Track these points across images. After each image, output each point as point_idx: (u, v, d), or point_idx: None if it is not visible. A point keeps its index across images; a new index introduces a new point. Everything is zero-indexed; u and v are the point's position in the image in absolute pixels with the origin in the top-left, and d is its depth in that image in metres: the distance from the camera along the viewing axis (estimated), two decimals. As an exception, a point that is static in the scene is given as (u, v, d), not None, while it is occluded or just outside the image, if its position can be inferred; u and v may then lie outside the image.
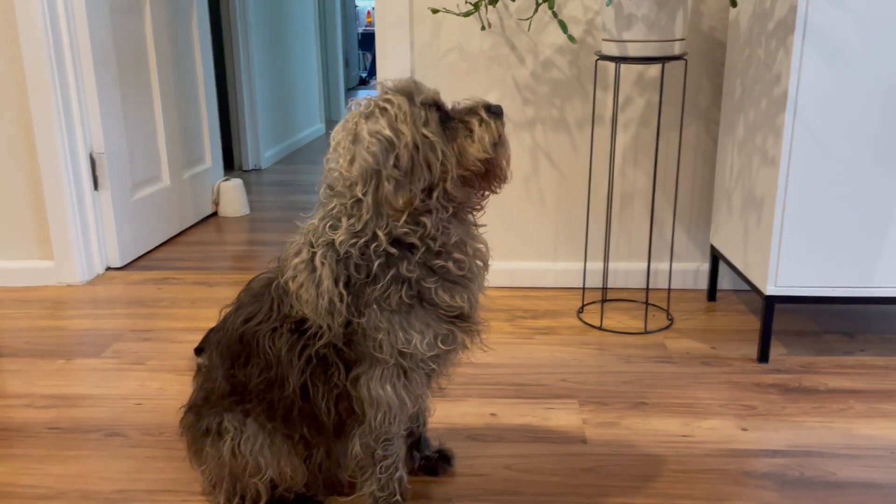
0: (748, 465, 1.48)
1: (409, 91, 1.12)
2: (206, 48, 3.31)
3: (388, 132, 1.08)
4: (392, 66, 2.31)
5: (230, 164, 4.40)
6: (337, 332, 1.14)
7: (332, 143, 1.14)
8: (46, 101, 2.39)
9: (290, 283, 1.16)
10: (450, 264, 1.15)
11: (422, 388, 1.22)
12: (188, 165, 3.20)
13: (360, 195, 1.09)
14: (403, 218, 1.09)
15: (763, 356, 1.91)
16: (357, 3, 9.44)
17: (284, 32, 4.88)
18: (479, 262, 1.21)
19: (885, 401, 1.71)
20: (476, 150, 1.12)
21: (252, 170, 4.48)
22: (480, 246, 1.22)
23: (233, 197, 3.41)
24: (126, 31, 2.70)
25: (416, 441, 1.45)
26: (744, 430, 1.61)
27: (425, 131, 1.09)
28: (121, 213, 2.68)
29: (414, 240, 1.11)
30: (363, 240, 1.11)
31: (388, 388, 1.16)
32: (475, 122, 1.13)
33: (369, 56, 9.89)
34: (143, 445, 1.58)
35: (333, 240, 1.11)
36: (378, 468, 1.24)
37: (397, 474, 1.26)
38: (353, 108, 1.14)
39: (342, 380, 1.18)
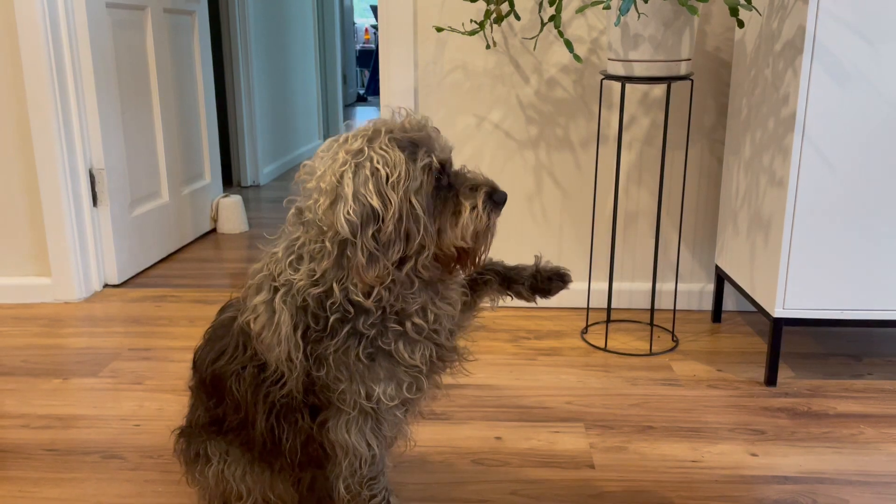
0: (759, 492, 1.45)
1: (416, 145, 1.00)
2: (207, 64, 3.30)
3: (375, 201, 0.96)
4: (396, 83, 2.30)
5: (229, 180, 4.38)
6: (296, 381, 1.08)
7: (314, 166, 1.03)
8: (46, 116, 2.37)
9: (253, 324, 1.09)
10: (407, 326, 1.07)
11: (394, 430, 1.16)
12: (187, 182, 3.18)
13: (328, 245, 1.00)
14: (367, 290, 1.02)
15: (771, 379, 1.89)
16: (355, 20, 9.47)
17: (284, 49, 4.88)
18: (447, 315, 1.11)
19: (896, 426, 1.69)
20: (455, 236, 1.03)
21: (251, 186, 4.46)
22: (447, 307, 1.11)
23: (232, 213, 3.39)
24: (127, 47, 2.69)
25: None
26: (753, 455, 1.58)
27: (414, 200, 0.98)
28: (119, 230, 2.66)
29: (369, 306, 1.03)
30: (321, 289, 1.02)
31: (355, 433, 1.10)
32: (467, 206, 1.03)
33: (367, 73, 9.93)
34: (142, 468, 1.54)
35: (293, 281, 1.04)
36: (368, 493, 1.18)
37: None
38: (346, 133, 1.04)
39: (308, 424, 1.13)
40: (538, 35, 2.20)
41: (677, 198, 2.34)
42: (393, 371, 1.08)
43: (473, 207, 1.03)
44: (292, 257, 1.05)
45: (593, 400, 1.84)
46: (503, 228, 2.40)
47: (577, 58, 1.98)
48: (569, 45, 1.95)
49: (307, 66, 5.41)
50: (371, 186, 0.96)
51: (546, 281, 1.23)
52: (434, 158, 1.01)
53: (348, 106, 9.05)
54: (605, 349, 2.13)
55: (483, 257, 1.10)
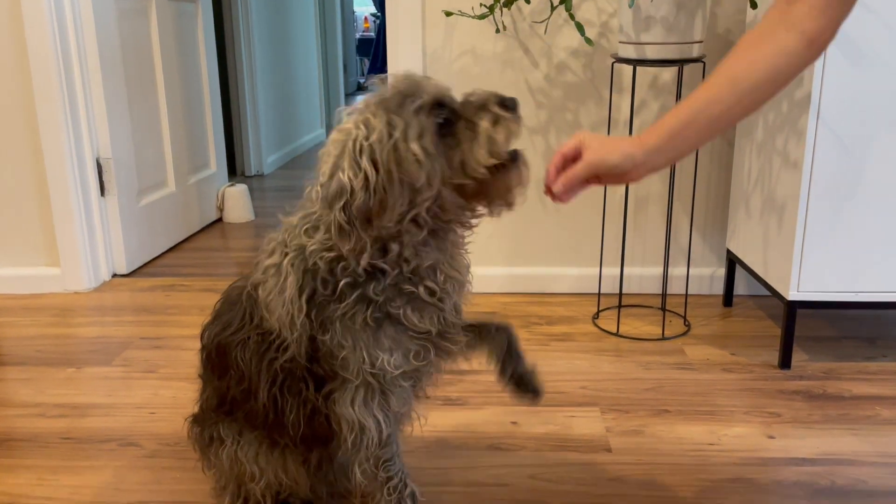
0: (778, 473, 1.45)
1: (404, 95, 0.98)
2: (211, 53, 3.28)
3: (346, 174, 0.94)
4: (404, 68, 2.28)
5: (233, 169, 4.36)
6: (299, 346, 1.07)
7: (326, 147, 1.02)
8: (53, 106, 2.36)
9: (260, 289, 1.09)
10: (420, 289, 1.05)
11: (402, 406, 1.13)
12: (194, 171, 3.17)
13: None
14: (358, 257, 1.01)
15: (785, 362, 1.88)
16: (354, 8, 9.42)
17: (286, 37, 4.86)
18: (456, 281, 1.11)
19: (913, 407, 1.69)
20: (482, 154, 0.98)
21: (255, 175, 4.45)
22: (455, 273, 1.10)
23: (238, 202, 3.38)
24: (133, 36, 2.67)
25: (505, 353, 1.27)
26: (770, 437, 1.58)
27: (415, 146, 0.95)
28: (127, 219, 2.65)
29: (384, 265, 1.03)
30: (333, 255, 1.02)
31: (361, 407, 1.08)
32: (485, 121, 0.99)
33: (367, 62, 9.88)
34: (160, 456, 1.55)
35: (305, 246, 1.04)
36: (385, 490, 1.16)
37: (407, 491, 1.18)
38: (343, 116, 1.02)
39: (312, 395, 1.11)
40: (548, 18, 2.18)
41: (688, 182, 2.33)
42: (399, 339, 1.06)
43: (494, 119, 1.00)
44: (308, 226, 1.05)
45: (607, 384, 1.83)
46: (513, 216, 2.38)
47: (588, 41, 1.96)
48: (580, 27, 1.94)
49: (309, 55, 5.39)
50: (347, 160, 0.96)
51: (524, 386, 1.26)
52: (425, 98, 0.98)
53: (349, 95, 9.01)
54: (617, 334, 2.12)
55: (516, 194, 1.07)
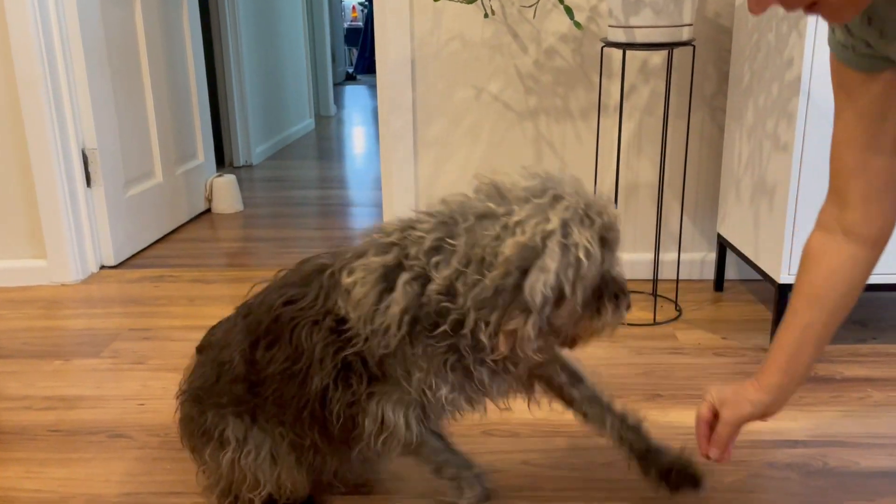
0: (770, 456, 1.46)
1: (603, 245, 1.00)
2: (197, 42, 3.25)
3: (568, 288, 0.96)
4: (392, 55, 2.26)
5: (221, 160, 4.33)
6: (374, 349, 1.06)
7: (505, 189, 1.00)
8: (37, 96, 2.33)
9: (345, 276, 1.06)
10: (499, 365, 1.09)
11: (434, 425, 1.16)
12: (181, 161, 3.14)
13: (487, 282, 0.96)
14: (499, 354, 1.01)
15: (776, 345, 1.89)
16: (343, -3, 9.36)
17: (273, 27, 4.82)
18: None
19: (904, 388, 1.69)
20: (596, 331, 1.06)
21: (243, 166, 4.42)
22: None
23: (226, 193, 3.35)
24: (117, 24, 2.64)
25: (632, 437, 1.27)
26: (762, 420, 1.58)
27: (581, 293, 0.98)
28: (114, 211, 2.62)
29: (492, 356, 1.05)
30: (450, 304, 1.01)
31: (401, 413, 1.10)
32: (610, 307, 1.04)
33: (355, 51, 9.83)
34: (149, 447, 1.53)
35: (426, 273, 1.02)
36: (430, 467, 1.18)
37: (467, 475, 1.18)
38: (552, 184, 0.99)
39: (362, 390, 1.11)
40: (537, 3, 2.16)
41: (678, 167, 2.33)
42: (464, 385, 1.10)
43: (616, 308, 1.06)
44: (438, 257, 1.01)
45: (600, 370, 1.81)
46: (503, 201, 2.38)
47: (577, 24, 1.95)
48: (569, 11, 1.93)
49: (296, 45, 5.34)
50: (570, 274, 0.96)
51: (678, 476, 1.23)
52: (612, 235, 1.03)
53: (338, 85, 8.96)
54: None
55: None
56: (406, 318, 1.03)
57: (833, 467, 1.41)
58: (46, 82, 2.34)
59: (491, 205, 1.00)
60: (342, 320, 1.08)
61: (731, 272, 2.40)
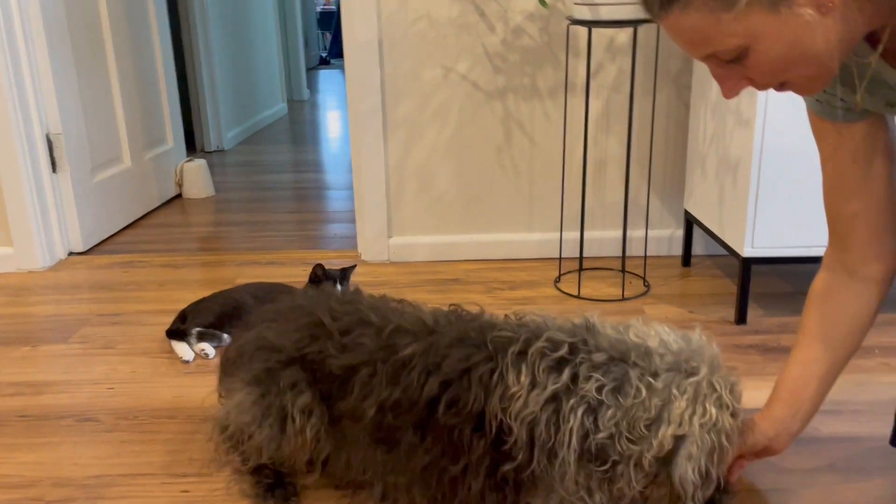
0: (733, 424, 1.48)
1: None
2: (164, 25, 3.20)
3: (714, 471, 1.03)
4: (359, 36, 2.25)
5: (192, 145, 4.29)
6: (538, 470, 1.08)
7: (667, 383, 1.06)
8: (-3, 80, 2.29)
9: (512, 381, 1.08)
10: None
11: None
12: (149, 146, 3.10)
13: (646, 459, 1.04)
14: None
15: (741, 318, 1.92)
16: (315, -19, 9.25)
17: (243, 11, 4.76)
18: None
19: (863, 356, 1.73)
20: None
21: (215, 151, 4.38)
22: None
23: (196, 178, 3.32)
24: (79, 7, 2.59)
25: None
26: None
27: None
28: (81, 196, 2.59)
29: None
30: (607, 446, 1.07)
31: None
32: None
33: (329, 35, 9.74)
34: (118, 430, 1.53)
35: (597, 413, 1.06)
36: None
37: None
38: (714, 373, 1.06)
39: (512, 498, 1.13)
40: (503, -18, 2.16)
41: (645, 144, 2.35)
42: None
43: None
44: (609, 403, 1.05)
45: (569, 345, 1.85)
46: (473, 183, 2.39)
47: (542, 3, 1.95)
48: (534, -11, 1.93)
49: (267, 29, 5.29)
50: (715, 457, 1.03)
51: None
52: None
53: (311, 69, 8.88)
54: (578, 296, 2.14)
55: None
56: (575, 439, 1.06)
57: (793, 434, 1.44)
58: (7, 66, 2.29)
59: (649, 378, 1.05)
60: (502, 426, 1.08)
61: (698, 248, 2.43)
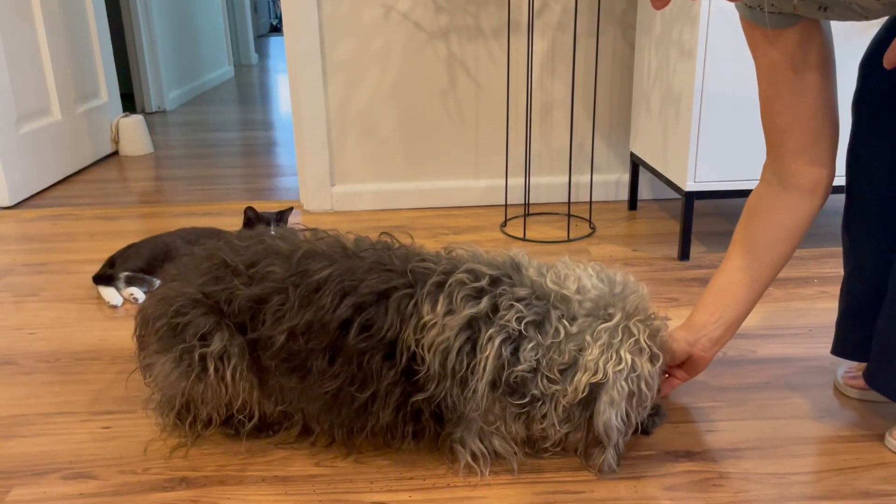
0: (673, 350, 1.47)
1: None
2: (94, -28, 3.05)
3: (632, 416, 1.05)
4: (295, -27, 2.16)
5: (133, 106, 4.14)
6: (452, 402, 1.07)
7: (571, 303, 1.06)
8: None
9: (427, 310, 1.05)
10: None
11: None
12: (81, 100, 2.97)
13: (563, 404, 1.05)
14: None
15: (684, 254, 1.91)
16: (265, -55, 9.00)
17: (184, -35, 4.59)
18: None
19: (803, 286, 1.74)
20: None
21: (156, 112, 4.23)
22: None
23: (133, 134, 3.20)
24: (-3, -56, 2.45)
25: None
26: (667, 319, 1.60)
27: None
28: (7, 149, 2.46)
29: None
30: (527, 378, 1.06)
31: (488, 442, 1.13)
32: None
33: (280, 3, 9.50)
34: (38, 372, 1.45)
35: (518, 346, 1.05)
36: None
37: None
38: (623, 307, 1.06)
39: (431, 427, 1.11)
40: (443, -85, 2.09)
41: (591, 87, 2.31)
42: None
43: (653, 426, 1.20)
44: (531, 335, 1.04)
45: (512, 283, 1.82)
46: (418, 129, 2.33)
47: (482, -67, 1.89)
48: (473, -82, 1.86)
49: (211, -12, 5.12)
50: (634, 403, 1.04)
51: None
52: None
53: (262, 36, 8.68)
54: (524, 239, 2.12)
55: None
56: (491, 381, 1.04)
57: (731, 356, 1.44)
58: (-82, 5, 2.15)
59: (566, 321, 1.05)
60: (414, 357, 1.05)
61: (644, 192, 2.42)
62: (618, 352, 1.03)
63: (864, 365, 1.29)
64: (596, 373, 1.02)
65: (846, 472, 1.10)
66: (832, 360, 1.38)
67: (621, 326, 1.05)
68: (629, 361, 1.03)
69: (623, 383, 1.02)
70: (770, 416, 1.24)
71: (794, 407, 1.26)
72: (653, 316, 1.09)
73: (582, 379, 1.02)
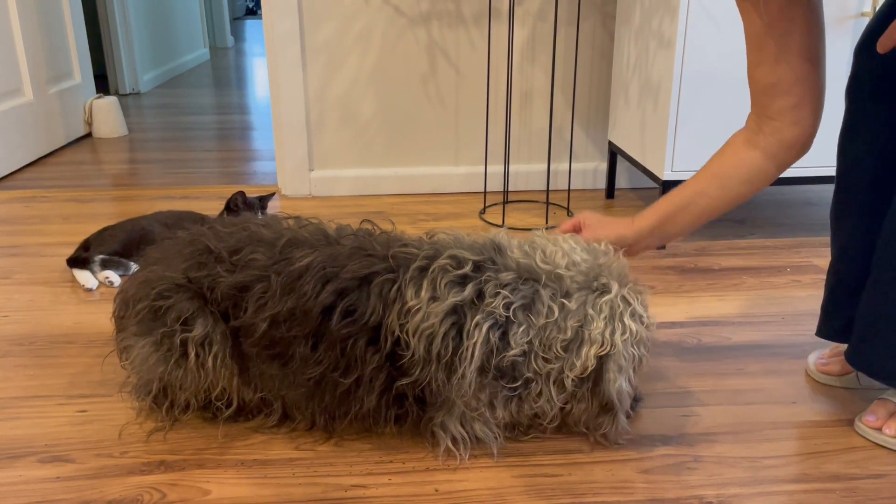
0: (649, 336, 1.49)
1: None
2: (67, -51, 2.99)
3: (633, 377, 1.09)
4: (275, -45, 2.14)
5: (106, 88, 4.07)
6: (437, 387, 1.07)
7: (563, 280, 1.06)
8: None
9: (411, 296, 1.05)
10: None
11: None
12: (54, 80, 2.92)
13: (570, 375, 1.06)
14: None
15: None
16: (241, -74, 8.87)
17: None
18: None
19: (775, 275, 1.77)
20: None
21: (130, 94, 4.17)
22: None
23: (107, 116, 3.15)
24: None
25: None
26: (651, 287, 1.62)
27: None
28: (-24, 127, 2.41)
29: None
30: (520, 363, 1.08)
31: (469, 427, 1.14)
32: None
33: (257, -14, 9.39)
34: (12, 355, 1.43)
35: (506, 331, 1.06)
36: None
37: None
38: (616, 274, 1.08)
39: (414, 411, 1.12)
40: None
41: (571, 75, 2.32)
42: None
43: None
44: (521, 319, 1.05)
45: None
46: (399, 115, 2.32)
47: (464, -82, 1.88)
48: None
49: (186, -32, 5.04)
50: (635, 366, 1.08)
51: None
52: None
53: (238, 19, 8.57)
54: (502, 226, 2.12)
55: None
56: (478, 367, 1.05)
57: (706, 343, 1.46)
58: None
59: (562, 299, 1.06)
60: (398, 342, 1.05)
61: (622, 181, 2.44)
62: (622, 321, 1.06)
63: (835, 352, 1.32)
64: (603, 344, 1.04)
65: (817, 456, 1.12)
66: (804, 348, 1.41)
67: (619, 296, 1.07)
68: (633, 329, 1.06)
69: (629, 350, 1.06)
70: (743, 402, 1.26)
71: (766, 393, 1.29)
72: (636, 281, 1.12)
73: (590, 352, 1.05)
